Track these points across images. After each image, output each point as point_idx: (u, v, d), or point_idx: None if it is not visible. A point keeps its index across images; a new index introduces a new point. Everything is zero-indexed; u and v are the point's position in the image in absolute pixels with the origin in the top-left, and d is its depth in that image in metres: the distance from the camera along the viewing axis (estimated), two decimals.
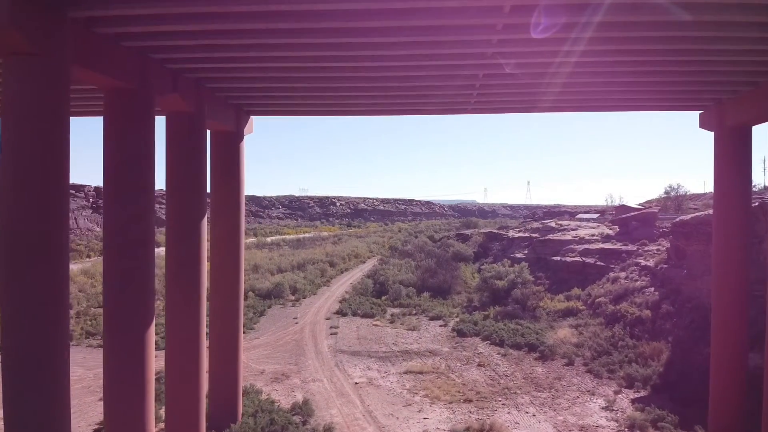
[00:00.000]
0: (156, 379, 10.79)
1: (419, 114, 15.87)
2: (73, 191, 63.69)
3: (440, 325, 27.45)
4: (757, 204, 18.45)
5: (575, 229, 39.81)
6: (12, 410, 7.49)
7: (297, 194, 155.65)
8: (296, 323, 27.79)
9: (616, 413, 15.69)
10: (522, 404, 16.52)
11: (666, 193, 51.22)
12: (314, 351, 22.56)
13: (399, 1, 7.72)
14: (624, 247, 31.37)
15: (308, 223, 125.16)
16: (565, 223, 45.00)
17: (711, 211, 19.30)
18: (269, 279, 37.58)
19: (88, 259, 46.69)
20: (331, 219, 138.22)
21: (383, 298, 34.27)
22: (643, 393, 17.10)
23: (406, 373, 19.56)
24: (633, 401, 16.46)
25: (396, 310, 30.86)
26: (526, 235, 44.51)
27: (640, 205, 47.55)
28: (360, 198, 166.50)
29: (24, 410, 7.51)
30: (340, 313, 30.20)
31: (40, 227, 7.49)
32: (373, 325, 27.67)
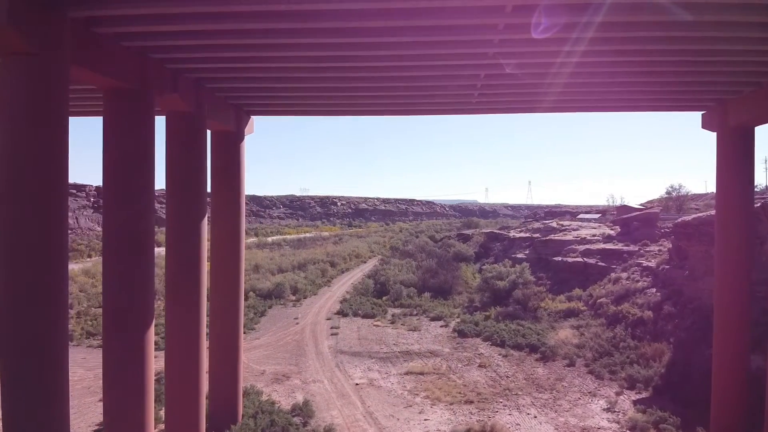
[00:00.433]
0: (156, 380, 10.76)
1: (420, 114, 15.83)
2: (74, 191, 63.71)
3: (441, 326, 27.41)
4: (759, 205, 18.38)
5: (576, 230, 39.72)
6: (11, 411, 7.46)
7: (298, 194, 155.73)
8: (297, 323, 27.76)
9: (618, 415, 15.64)
10: (523, 405, 16.47)
11: (667, 193, 51.15)
12: (315, 351, 22.52)
13: (400, 1, 7.68)
14: (625, 248, 31.28)
15: (309, 222, 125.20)
16: (566, 223, 44.90)
17: (713, 212, 19.24)
18: (270, 279, 37.56)
19: (88, 259, 46.68)
20: (332, 219, 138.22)
21: (384, 298, 34.23)
22: (644, 394, 17.04)
23: (406, 373, 19.52)
24: (634, 402, 16.41)
25: (397, 311, 30.82)
26: (528, 235, 44.44)
27: (641, 205, 47.47)
28: (361, 198, 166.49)
29: (23, 411, 7.48)
30: (341, 313, 30.17)
31: (39, 227, 7.46)
32: (374, 325, 27.63)
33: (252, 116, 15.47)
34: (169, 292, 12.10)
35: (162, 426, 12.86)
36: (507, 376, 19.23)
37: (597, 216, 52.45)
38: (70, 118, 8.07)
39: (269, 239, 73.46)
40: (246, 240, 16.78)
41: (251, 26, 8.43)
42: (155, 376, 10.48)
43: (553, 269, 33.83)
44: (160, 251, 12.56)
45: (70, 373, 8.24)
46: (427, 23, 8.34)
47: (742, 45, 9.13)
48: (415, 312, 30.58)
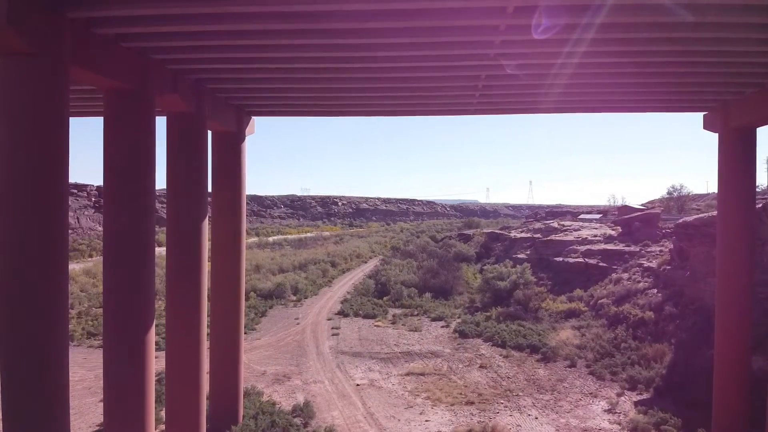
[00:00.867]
0: (156, 380, 10.75)
1: (421, 115, 15.80)
2: (75, 191, 63.84)
3: (442, 326, 27.39)
4: (761, 206, 18.34)
5: (578, 230, 39.67)
6: (11, 411, 7.45)
7: (299, 194, 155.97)
8: (298, 324, 27.75)
9: (619, 416, 15.62)
10: (524, 406, 16.45)
11: (669, 193, 51.15)
12: (316, 352, 22.51)
13: (401, 2, 7.66)
14: (626, 248, 31.24)
15: (310, 222, 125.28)
16: (567, 223, 44.85)
17: (714, 213, 19.21)
18: (271, 279, 37.55)
19: (89, 259, 46.72)
20: (332, 219, 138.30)
21: (385, 298, 34.21)
22: (645, 395, 17.01)
23: (407, 374, 19.50)
24: (636, 404, 16.38)
25: (398, 311, 30.80)
26: (529, 235, 44.41)
27: (642, 205, 47.45)
28: (362, 198, 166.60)
29: (23, 411, 7.46)
30: (342, 313, 30.16)
31: (39, 228, 7.44)
32: (375, 325, 27.62)
33: (253, 117, 15.46)
34: (169, 292, 12.09)
35: (162, 426, 12.85)
36: (508, 377, 19.20)
37: (598, 216, 52.41)
38: (70, 118, 8.06)
39: (270, 239, 73.50)
40: (247, 240, 16.77)
41: (252, 27, 8.41)
42: (156, 376, 10.46)
43: (554, 270, 33.79)
44: (160, 251, 12.56)
45: (70, 373, 8.22)
46: (427, 24, 8.32)
47: (744, 46, 9.10)
48: (415, 312, 30.56)
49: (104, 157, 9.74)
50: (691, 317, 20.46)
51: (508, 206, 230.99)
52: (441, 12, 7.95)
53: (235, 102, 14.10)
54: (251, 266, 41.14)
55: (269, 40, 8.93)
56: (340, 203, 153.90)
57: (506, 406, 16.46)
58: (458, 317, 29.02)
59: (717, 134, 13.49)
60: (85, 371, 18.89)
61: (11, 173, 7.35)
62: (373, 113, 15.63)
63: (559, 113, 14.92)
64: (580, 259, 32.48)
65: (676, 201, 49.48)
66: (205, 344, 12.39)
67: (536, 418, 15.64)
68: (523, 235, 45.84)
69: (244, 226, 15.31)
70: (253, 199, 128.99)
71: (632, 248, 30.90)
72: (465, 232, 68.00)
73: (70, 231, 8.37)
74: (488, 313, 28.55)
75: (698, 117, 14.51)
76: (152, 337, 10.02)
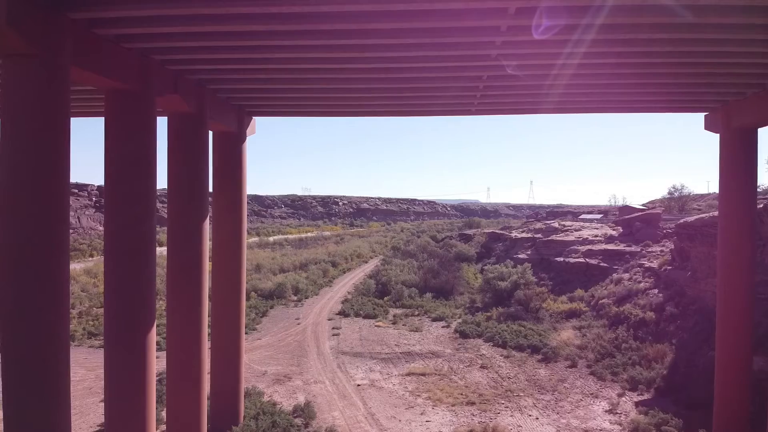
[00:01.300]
0: (157, 380, 10.75)
1: (423, 115, 15.80)
2: (76, 190, 63.92)
3: (443, 327, 27.38)
4: (762, 206, 18.32)
5: (578, 230, 39.65)
6: (12, 411, 7.46)
7: (299, 193, 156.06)
8: (298, 324, 27.75)
9: (620, 416, 15.60)
10: (525, 407, 16.44)
11: (670, 193, 51.15)
12: (316, 352, 22.51)
13: (402, 3, 7.65)
14: (627, 248, 31.23)
15: (311, 222, 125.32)
16: (568, 223, 44.83)
17: (715, 213, 19.19)
18: (271, 279, 37.56)
19: (90, 259, 46.78)
20: (333, 218, 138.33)
21: (385, 298, 34.20)
22: (646, 396, 17.00)
23: (408, 374, 19.50)
24: (637, 404, 16.37)
25: (398, 311, 30.80)
26: (529, 235, 44.37)
27: (643, 205, 47.42)
28: (362, 197, 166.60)
29: (24, 412, 7.48)
30: (343, 313, 30.16)
31: (40, 228, 7.46)
32: (376, 326, 27.62)
33: (254, 117, 15.46)
34: (170, 292, 12.09)
35: (163, 427, 12.86)
36: (509, 377, 19.19)
37: (599, 216, 52.45)
38: (71, 118, 8.07)
39: (271, 239, 73.56)
40: (247, 240, 16.76)
41: (252, 28, 8.41)
42: (157, 376, 10.47)
43: (555, 270, 33.78)
44: (161, 251, 12.57)
45: (71, 373, 8.23)
46: (429, 25, 8.31)
47: (746, 47, 9.09)
48: (416, 312, 30.56)
49: (105, 157, 9.75)
50: (692, 317, 20.44)
51: (508, 206, 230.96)
52: (443, 13, 7.94)
53: (236, 102, 14.10)
54: (252, 266, 41.17)
55: (270, 41, 8.93)
56: (340, 203, 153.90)
57: (507, 407, 16.45)
58: (459, 317, 29.02)
59: (718, 135, 13.47)
60: (86, 371, 18.89)
61: (12, 173, 7.37)
62: (375, 113, 15.62)
63: (560, 114, 14.91)
64: (581, 260, 32.46)
65: (677, 201, 49.49)
66: (206, 344, 12.39)
67: (537, 418, 15.63)
68: (524, 235, 45.81)
69: (245, 225, 15.31)
70: (254, 198, 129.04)
71: (633, 248, 30.88)
72: (466, 232, 68.02)
73: (71, 231, 8.38)
74: (489, 314, 28.54)
75: (699, 117, 14.52)
76: (153, 337, 10.03)
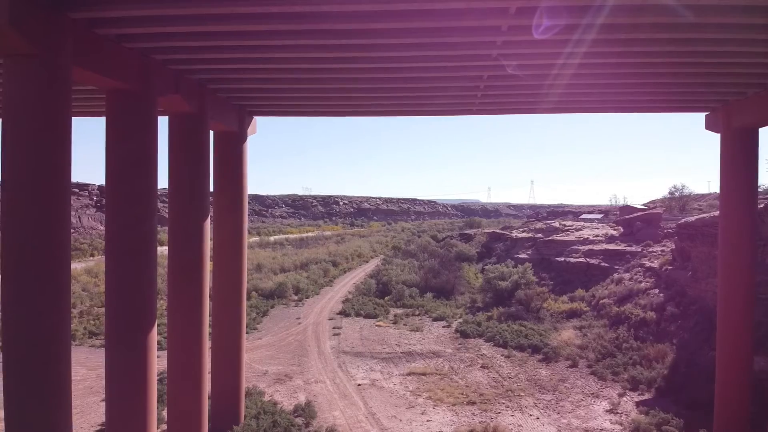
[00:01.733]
0: (158, 380, 10.77)
1: (423, 115, 15.80)
2: (77, 190, 63.97)
3: (443, 326, 27.38)
4: (762, 206, 18.31)
5: (579, 230, 39.65)
6: (13, 411, 7.47)
7: (300, 193, 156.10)
8: (299, 323, 27.76)
9: (621, 416, 15.60)
10: (526, 407, 16.44)
11: (670, 193, 51.13)
12: (317, 352, 22.52)
13: (403, 3, 7.65)
14: (628, 248, 31.23)
15: (311, 222, 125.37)
16: (569, 223, 44.84)
17: (716, 213, 19.19)
18: (272, 279, 37.59)
19: (91, 258, 46.82)
20: (334, 218, 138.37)
21: (386, 298, 34.20)
22: (647, 396, 17.00)
23: (409, 374, 19.50)
24: (637, 404, 16.36)
25: (399, 311, 30.80)
26: (530, 235, 44.38)
27: (644, 205, 47.39)
28: (363, 197, 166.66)
29: (25, 411, 7.49)
30: (343, 313, 30.16)
31: (41, 228, 7.47)
32: (376, 325, 27.62)
33: (255, 116, 15.46)
34: (171, 292, 12.10)
35: (164, 426, 12.87)
36: (509, 377, 19.19)
37: (600, 216, 52.45)
38: (73, 117, 8.07)
39: (271, 238, 73.62)
40: (248, 239, 16.76)
41: (253, 27, 8.42)
42: (157, 376, 10.48)
43: (555, 270, 33.78)
44: (162, 251, 12.59)
45: (72, 373, 8.24)
46: (429, 25, 8.31)
47: (747, 47, 9.08)
48: (417, 312, 30.56)
49: (107, 157, 9.76)
50: (693, 317, 20.44)
51: (509, 206, 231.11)
52: (443, 13, 7.95)
53: (236, 102, 14.11)
54: (253, 266, 41.19)
55: (272, 41, 8.93)
56: (341, 203, 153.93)
57: (508, 406, 16.45)
58: (460, 317, 29.02)
59: (719, 134, 13.47)
60: (87, 370, 18.91)
61: (14, 173, 7.38)
62: (376, 113, 15.62)
63: (561, 113, 14.90)
64: (582, 259, 32.46)
65: (678, 201, 49.48)
66: (207, 344, 12.40)
67: (538, 418, 15.63)
68: (525, 234, 45.81)
69: (246, 225, 15.32)
70: (255, 198, 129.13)
71: (634, 248, 30.88)
72: (466, 231, 68.04)
73: (71, 230, 8.37)
74: (490, 313, 28.54)
75: (700, 117, 14.52)
76: (154, 336, 10.04)
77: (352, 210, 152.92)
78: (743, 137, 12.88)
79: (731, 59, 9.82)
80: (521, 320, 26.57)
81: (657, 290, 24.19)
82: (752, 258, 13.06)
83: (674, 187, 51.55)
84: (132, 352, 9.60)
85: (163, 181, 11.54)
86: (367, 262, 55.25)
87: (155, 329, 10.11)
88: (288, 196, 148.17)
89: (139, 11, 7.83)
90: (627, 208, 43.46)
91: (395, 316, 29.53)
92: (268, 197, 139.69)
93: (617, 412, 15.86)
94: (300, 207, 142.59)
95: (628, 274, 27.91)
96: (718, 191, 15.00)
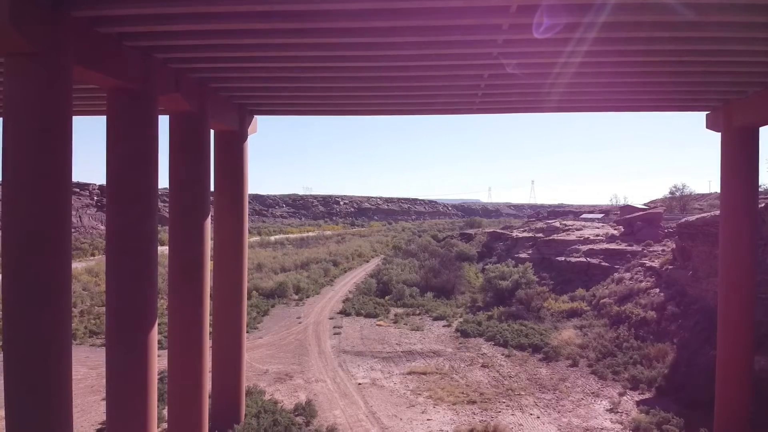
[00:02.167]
0: (159, 379, 10.77)
1: (424, 114, 15.80)
2: (77, 189, 63.94)
3: (444, 326, 27.38)
4: (763, 205, 18.31)
5: (580, 230, 39.66)
6: (13, 410, 7.48)
7: (301, 193, 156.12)
8: (300, 323, 27.76)
9: (621, 415, 15.60)
10: (526, 406, 16.44)
11: (671, 193, 51.15)
12: (318, 351, 22.52)
13: (404, 1, 7.65)
14: (629, 248, 31.23)
15: (312, 221, 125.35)
16: (569, 223, 44.84)
17: (716, 212, 19.19)
18: (273, 278, 37.58)
19: (92, 258, 46.82)
20: (334, 218, 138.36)
21: (387, 298, 34.19)
22: (647, 395, 17.00)
23: (409, 373, 19.50)
24: (638, 403, 16.36)
25: (399, 310, 30.80)
26: (531, 235, 44.38)
27: (644, 205, 47.40)
28: (364, 197, 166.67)
29: (25, 410, 7.49)
30: (344, 312, 30.16)
31: (41, 227, 7.47)
32: (377, 325, 27.62)
33: (255, 115, 15.46)
34: (171, 291, 12.10)
35: (165, 425, 12.87)
36: (510, 377, 19.19)
37: (600, 216, 52.42)
38: (73, 117, 8.07)
39: (272, 238, 73.63)
40: (249, 239, 16.76)
41: (254, 26, 8.42)
42: (158, 375, 10.49)
43: (556, 269, 33.78)
44: (163, 250, 12.59)
45: (73, 372, 8.24)
46: (431, 23, 8.31)
47: (748, 46, 9.08)
48: (417, 312, 30.55)
49: (107, 156, 9.76)
50: (693, 317, 20.43)
51: (509, 206, 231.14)
52: (444, 11, 7.95)
53: (237, 101, 14.11)
54: (253, 265, 41.19)
55: (272, 39, 8.94)
56: (341, 202, 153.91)
57: (508, 406, 16.45)
58: (460, 317, 29.01)
59: (720, 134, 13.47)
60: (88, 370, 18.92)
61: (15, 172, 7.38)
62: (376, 112, 15.63)
63: (562, 112, 14.88)
64: (582, 259, 32.46)
65: (679, 200, 49.50)
66: (207, 343, 12.40)
67: (538, 417, 15.63)
68: (525, 234, 45.81)
69: (247, 225, 15.31)
70: (255, 198, 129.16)
71: (634, 248, 30.88)
72: (467, 231, 68.04)
73: (72, 230, 8.44)
74: (490, 313, 28.54)
75: (701, 116, 14.51)
76: (154, 335, 10.04)
77: (352, 210, 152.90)
78: (744, 136, 12.87)
79: (732, 58, 9.81)
80: (522, 320, 26.58)
81: (657, 290, 24.19)
82: (753, 257, 13.05)
83: (675, 187, 51.62)
84: (132, 352, 9.60)
85: (163, 181, 11.54)
86: (367, 261, 55.25)
87: (156, 328, 10.11)
88: (288, 195, 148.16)
89: (141, 10, 7.83)
90: (627, 208, 43.48)
91: (396, 315, 29.54)
92: (268, 197, 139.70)
93: (618, 412, 15.86)
94: (300, 207, 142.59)
95: (628, 273, 27.91)
96: (718, 191, 15.00)
